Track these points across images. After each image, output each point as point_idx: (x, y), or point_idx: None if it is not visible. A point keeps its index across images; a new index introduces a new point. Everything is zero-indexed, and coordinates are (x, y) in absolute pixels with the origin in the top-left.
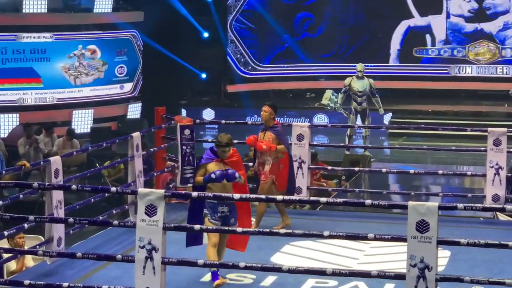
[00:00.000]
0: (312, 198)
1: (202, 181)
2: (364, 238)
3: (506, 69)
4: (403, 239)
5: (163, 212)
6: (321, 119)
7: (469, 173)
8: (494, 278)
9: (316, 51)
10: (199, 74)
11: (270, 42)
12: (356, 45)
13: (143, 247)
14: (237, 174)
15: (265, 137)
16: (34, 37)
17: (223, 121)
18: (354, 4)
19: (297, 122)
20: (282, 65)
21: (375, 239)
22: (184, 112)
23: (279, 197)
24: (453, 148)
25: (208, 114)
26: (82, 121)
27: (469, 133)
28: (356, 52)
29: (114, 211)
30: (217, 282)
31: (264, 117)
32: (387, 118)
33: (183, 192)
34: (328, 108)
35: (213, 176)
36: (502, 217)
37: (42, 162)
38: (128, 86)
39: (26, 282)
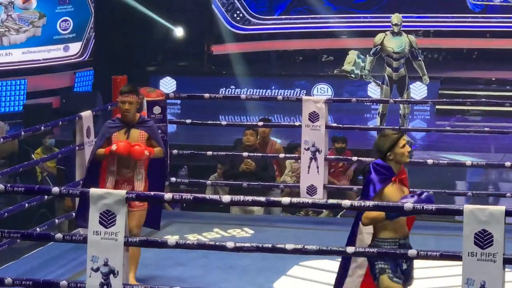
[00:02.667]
0: (330, 201)
1: (385, 216)
2: (404, 255)
3: None
4: (457, 257)
5: (125, 222)
6: (322, 91)
7: None
8: None
9: None
10: (173, 30)
11: None
12: None
13: (97, 269)
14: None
15: (131, 137)
16: None
17: (206, 95)
18: None
19: (305, 95)
20: (296, 16)
21: (418, 256)
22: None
23: (286, 199)
24: None
25: (167, 84)
26: (12, 96)
27: None
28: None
29: (57, 221)
30: None
31: (130, 109)
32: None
33: (152, 193)
34: (353, 76)
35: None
36: None
37: None
38: (75, 47)
39: None
